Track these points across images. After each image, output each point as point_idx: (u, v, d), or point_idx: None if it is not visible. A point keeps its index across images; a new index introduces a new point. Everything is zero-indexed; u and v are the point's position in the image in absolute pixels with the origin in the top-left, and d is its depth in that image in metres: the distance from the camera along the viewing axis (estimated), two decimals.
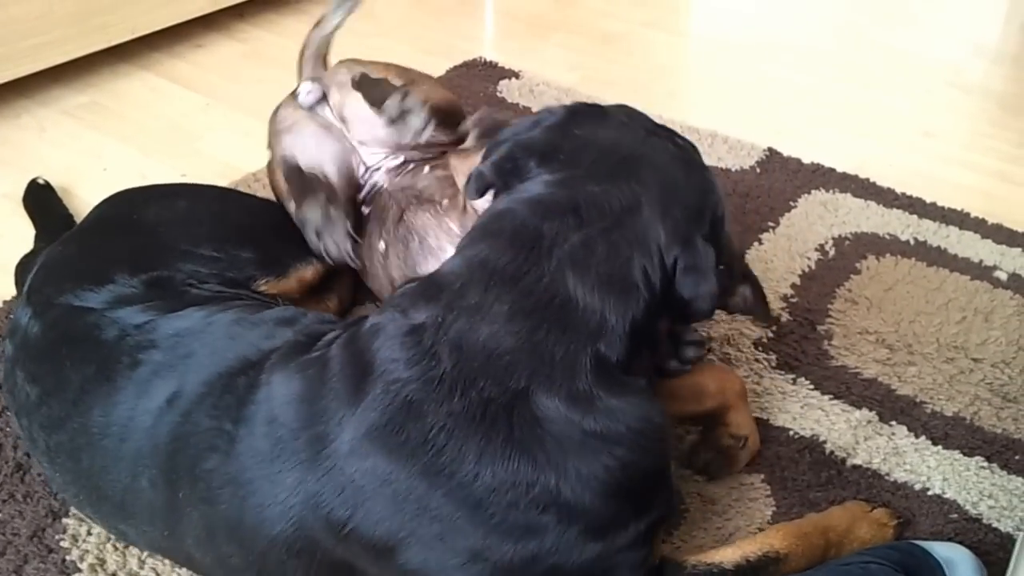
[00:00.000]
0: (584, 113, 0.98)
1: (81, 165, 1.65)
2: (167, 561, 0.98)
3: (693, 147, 1.00)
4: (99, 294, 0.98)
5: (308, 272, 1.18)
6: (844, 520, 1.00)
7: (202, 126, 1.81)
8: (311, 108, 1.32)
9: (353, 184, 1.29)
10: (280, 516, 0.81)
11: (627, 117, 0.99)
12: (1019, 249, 1.49)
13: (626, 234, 0.86)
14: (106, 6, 1.84)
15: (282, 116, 1.33)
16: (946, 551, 0.95)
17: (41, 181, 1.53)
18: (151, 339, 0.93)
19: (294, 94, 1.33)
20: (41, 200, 1.50)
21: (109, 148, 1.72)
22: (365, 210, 1.29)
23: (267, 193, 1.40)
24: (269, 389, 0.86)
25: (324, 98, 1.31)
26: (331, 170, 1.26)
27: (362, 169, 1.30)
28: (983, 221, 1.56)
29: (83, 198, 1.54)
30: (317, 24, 1.41)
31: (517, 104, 1.88)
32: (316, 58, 1.40)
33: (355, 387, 0.81)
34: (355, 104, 1.28)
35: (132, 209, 1.15)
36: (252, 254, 1.12)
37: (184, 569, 0.97)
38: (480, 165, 0.95)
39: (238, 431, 0.84)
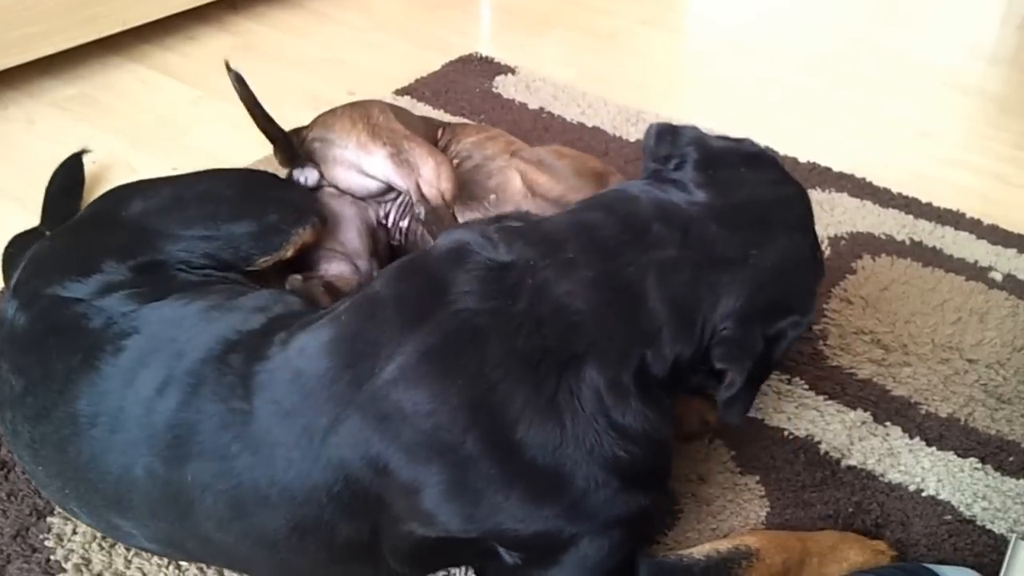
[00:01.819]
0: (758, 156, 1.01)
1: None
2: (153, 561, 0.97)
3: (822, 266, 1.00)
4: (86, 284, 0.97)
5: (307, 235, 1.17)
6: (831, 538, 0.99)
7: (193, 119, 1.80)
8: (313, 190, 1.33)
9: (374, 235, 1.33)
10: (316, 464, 0.81)
11: (788, 183, 1.00)
12: (1014, 250, 1.50)
13: (711, 280, 0.87)
14: None
15: None
16: (955, 575, 0.95)
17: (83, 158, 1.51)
18: (134, 326, 0.92)
19: (288, 178, 1.33)
20: (66, 187, 1.48)
21: (99, 141, 1.70)
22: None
23: None
24: (284, 351, 0.86)
25: (321, 176, 1.32)
26: (351, 235, 1.29)
27: (380, 215, 1.35)
28: (979, 222, 1.57)
29: None
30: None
31: (513, 100, 1.87)
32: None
33: (416, 312, 0.84)
34: (342, 173, 1.31)
35: (118, 204, 1.14)
36: (247, 227, 1.10)
37: (171, 568, 0.96)
38: (658, 126, 1.02)
39: (252, 404, 0.83)
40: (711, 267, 0.88)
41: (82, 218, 1.15)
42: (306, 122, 1.81)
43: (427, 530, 0.83)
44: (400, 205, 1.35)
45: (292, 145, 1.34)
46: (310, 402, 0.82)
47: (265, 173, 1.28)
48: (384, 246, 1.35)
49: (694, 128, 1.03)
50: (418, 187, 1.26)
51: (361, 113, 1.33)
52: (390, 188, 1.32)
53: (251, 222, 1.11)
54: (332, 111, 1.38)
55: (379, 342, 0.82)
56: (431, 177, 1.27)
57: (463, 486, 0.80)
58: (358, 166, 1.29)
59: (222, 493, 0.83)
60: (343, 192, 1.32)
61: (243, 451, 0.83)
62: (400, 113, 1.40)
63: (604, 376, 0.83)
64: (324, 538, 0.83)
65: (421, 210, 1.26)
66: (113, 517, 0.90)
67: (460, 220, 1.29)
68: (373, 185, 1.31)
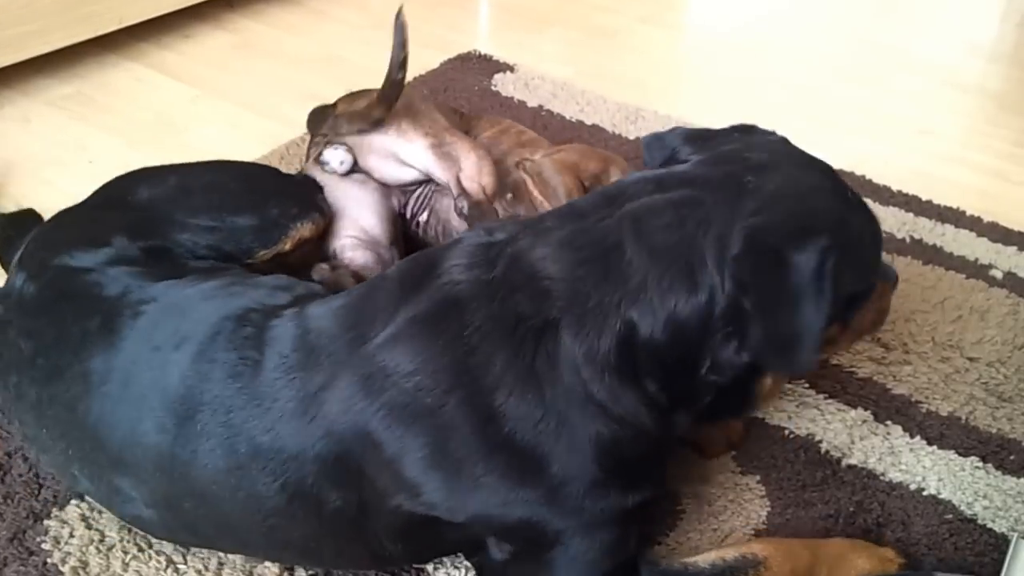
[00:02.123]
0: (752, 127, 0.98)
1: (66, 157, 1.63)
2: (152, 564, 0.96)
3: (864, 206, 0.90)
4: (96, 255, 0.97)
5: (305, 230, 1.17)
6: (840, 546, 0.97)
7: (190, 118, 1.79)
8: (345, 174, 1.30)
9: (395, 222, 1.31)
10: (305, 421, 0.82)
11: (790, 144, 0.95)
12: (1015, 248, 1.49)
13: (698, 213, 0.79)
14: None
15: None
16: None
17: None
18: (151, 295, 0.93)
19: (318, 160, 1.29)
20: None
21: (95, 140, 1.70)
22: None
23: None
24: (301, 314, 0.87)
25: (355, 161, 1.30)
26: (373, 221, 1.27)
27: (402, 203, 1.34)
28: (979, 219, 1.56)
29: (67, 191, 1.51)
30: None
31: (512, 98, 1.87)
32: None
33: (412, 285, 0.85)
34: (377, 161, 1.29)
35: (125, 190, 1.14)
36: (249, 220, 1.11)
37: (169, 571, 0.96)
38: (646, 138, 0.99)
39: (263, 354, 0.85)
40: (696, 203, 0.80)
41: (88, 201, 1.15)
42: (303, 120, 1.80)
43: (414, 504, 0.82)
44: (420, 197, 1.33)
45: (392, 104, 1.29)
46: (311, 360, 0.83)
47: (267, 167, 1.28)
48: (401, 235, 1.34)
49: (680, 128, 0.99)
50: (459, 181, 1.25)
51: (403, 101, 1.30)
52: (420, 180, 1.30)
53: (253, 215, 1.12)
54: (359, 93, 1.36)
55: (377, 310, 0.85)
56: (473, 172, 1.26)
57: (444, 453, 0.80)
58: (396, 154, 1.27)
59: (223, 442, 0.84)
60: (373, 179, 1.30)
61: (247, 402, 0.84)
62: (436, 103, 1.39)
63: (579, 344, 0.79)
64: (312, 505, 0.83)
65: (464, 204, 1.25)
66: (115, 478, 0.90)
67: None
68: (408, 175, 1.29)
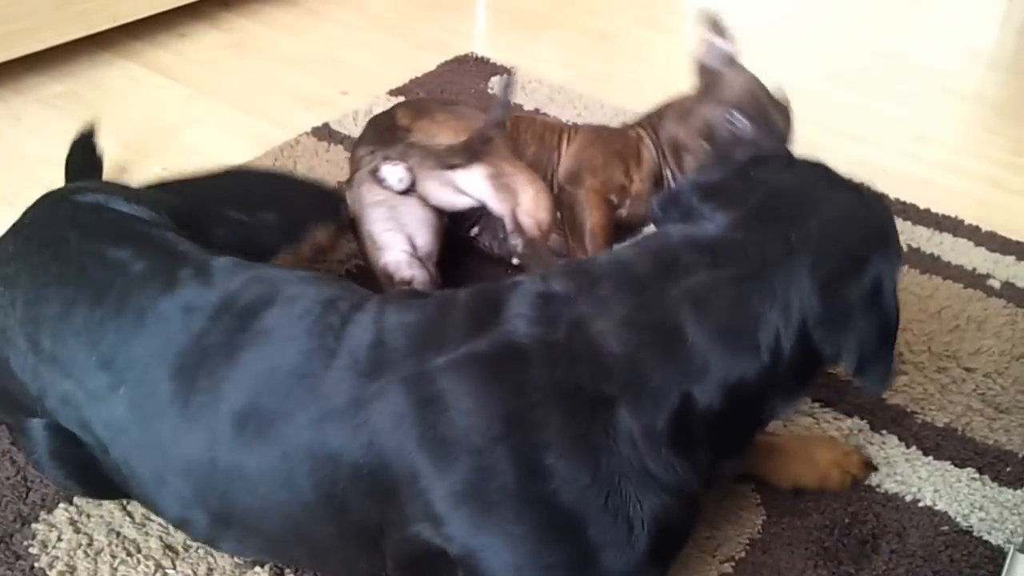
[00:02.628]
0: (769, 158, 0.97)
1: (57, 156, 1.62)
2: (140, 568, 0.96)
3: (882, 202, 0.95)
4: (137, 208, 1.01)
5: (323, 236, 1.18)
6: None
7: (184, 118, 1.79)
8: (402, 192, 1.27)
9: (443, 239, 1.30)
10: (352, 425, 0.81)
11: (800, 160, 0.97)
12: (1013, 257, 1.50)
13: (762, 286, 0.82)
14: None
15: (366, 192, 1.28)
16: None
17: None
18: (216, 266, 0.94)
19: (374, 173, 1.26)
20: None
21: None
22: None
23: None
24: (380, 317, 0.87)
25: (412, 183, 1.27)
26: (429, 239, 1.26)
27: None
28: (977, 228, 1.57)
29: None
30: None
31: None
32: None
33: (477, 324, 0.85)
34: (435, 186, 1.26)
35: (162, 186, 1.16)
36: (275, 217, 1.12)
37: (158, 575, 0.96)
38: (654, 200, 0.98)
39: (340, 345, 0.85)
40: (753, 276, 0.83)
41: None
42: (298, 122, 1.80)
43: (433, 535, 0.81)
44: (472, 212, 1.33)
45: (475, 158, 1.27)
46: (377, 368, 0.83)
47: (294, 176, 1.28)
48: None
49: (689, 180, 0.98)
50: (514, 215, 1.23)
51: (465, 125, 1.29)
52: (475, 207, 1.29)
53: (279, 213, 1.13)
54: (430, 114, 1.34)
55: (446, 335, 0.85)
56: (530, 207, 1.23)
57: (480, 493, 0.79)
58: (454, 182, 1.25)
59: (273, 420, 0.84)
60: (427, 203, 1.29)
61: (308, 391, 0.84)
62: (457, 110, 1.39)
63: (637, 421, 0.80)
64: (336, 509, 0.83)
65: (519, 243, 1.24)
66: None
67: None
68: (462, 202, 1.27)
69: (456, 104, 1.51)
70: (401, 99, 1.85)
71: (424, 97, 1.45)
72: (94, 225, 1.00)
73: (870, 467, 1.11)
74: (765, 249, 0.84)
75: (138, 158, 1.66)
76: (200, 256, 0.96)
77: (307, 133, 1.72)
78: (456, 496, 0.79)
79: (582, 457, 0.79)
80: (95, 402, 0.89)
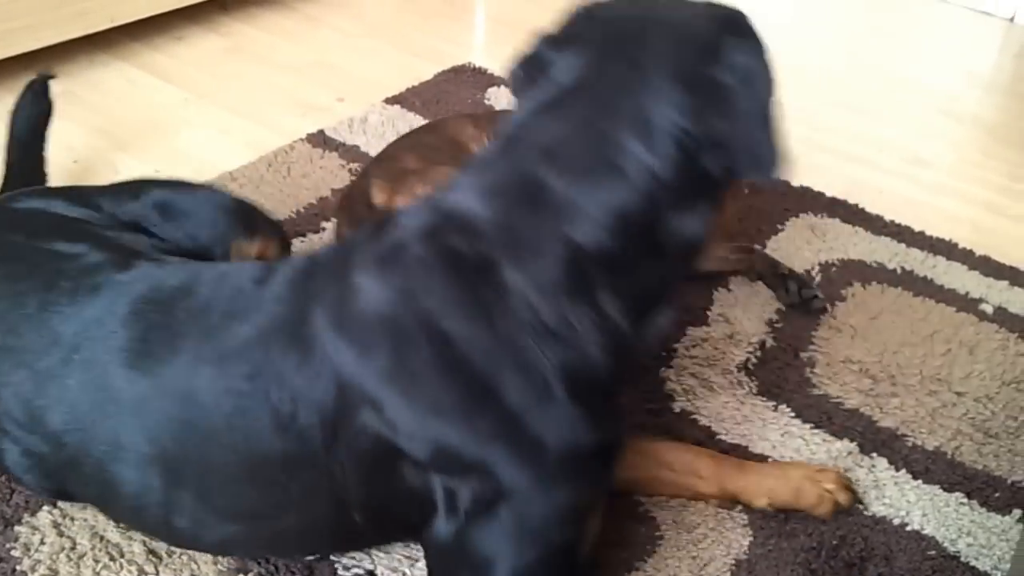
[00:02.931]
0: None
1: (51, 156, 1.63)
2: (123, 573, 0.96)
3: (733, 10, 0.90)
4: (83, 210, 1.05)
5: (252, 247, 1.19)
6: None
7: (179, 121, 1.80)
8: None
9: None
10: (298, 328, 0.86)
11: None
12: (1006, 282, 1.51)
13: (613, 113, 0.81)
14: None
15: None
16: None
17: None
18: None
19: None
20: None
21: (81, 140, 1.70)
22: None
23: (243, 194, 1.39)
24: (303, 260, 0.94)
25: None
26: None
27: None
28: (971, 252, 1.58)
29: None
30: None
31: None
32: None
33: (376, 238, 0.89)
34: None
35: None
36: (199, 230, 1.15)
37: None
38: (513, 65, 0.96)
39: (272, 278, 0.91)
40: (596, 102, 0.82)
41: None
42: (293, 128, 1.81)
43: (378, 423, 0.82)
44: None
45: None
46: (301, 291, 0.89)
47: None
48: None
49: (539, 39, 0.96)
50: None
51: (444, 171, 1.29)
52: None
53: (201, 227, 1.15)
54: (404, 179, 1.33)
55: (353, 257, 0.89)
56: None
57: (403, 367, 0.82)
58: None
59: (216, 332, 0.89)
60: None
61: (242, 307, 0.90)
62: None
63: (525, 277, 0.81)
64: (288, 430, 0.84)
65: None
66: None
67: None
68: None
69: (435, 126, 1.52)
70: (397, 108, 1.87)
71: (395, 144, 1.44)
72: (42, 227, 1.01)
73: (848, 486, 1.11)
74: (614, 77, 0.83)
75: (131, 160, 1.66)
76: (152, 252, 1.00)
77: (302, 139, 1.73)
78: (383, 374, 0.83)
79: (477, 319, 0.81)
80: (48, 382, 0.90)
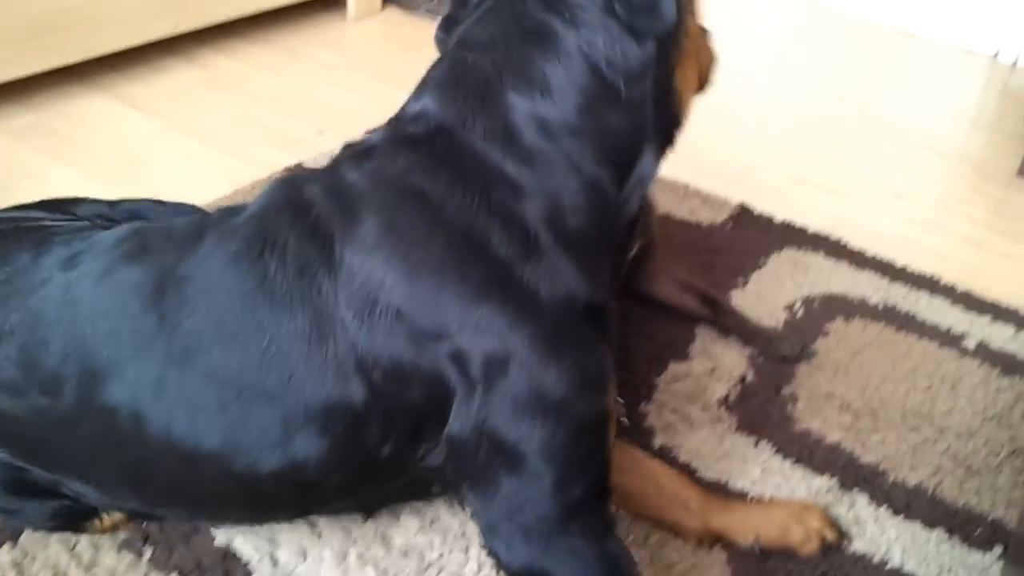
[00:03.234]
0: None
1: (22, 189, 1.65)
2: None
3: None
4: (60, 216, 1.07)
5: None
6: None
7: (155, 153, 1.82)
8: None
9: None
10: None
11: None
12: (988, 318, 1.54)
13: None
14: (61, 23, 1.85)
15: None
16: None
17: None
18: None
19: None
20: None
21: (54, 172, 1.72)
22: None
23: None
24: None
25: None
26: None
27: None
28: (953, 288, 1.61)
29: None
30: None
31: None
32: None
33: (350, 146, 0.99)
34: None
35: None
36: None
37: None
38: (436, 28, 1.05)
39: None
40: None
41: None
42: (271, 161, 1.84)
43: (377, 288, 0.85)
44: None
45: None
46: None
47: None
48: None
49: None
50: None
51: None
52: None
53: None
54: None
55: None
56: None
57: (389, 229, 0.86)
58: None
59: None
60: None
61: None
62: None
63: (485, 136, 0.88)
64: (308, 312, 0.86)
65: None
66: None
67: None
68: None
69: None
70: None
71: None
72: (24, 221, 1.03)
73: (835, 526, 1.12)
74: None
75: (106, 191, 1.67)
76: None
77: (281, 172, 1.75)
78: (374, 239, 0.86)
79: (448, 179, 0.87)
80: (48, 305, 0.89)
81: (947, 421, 1.32)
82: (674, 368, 1.37)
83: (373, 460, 0.90)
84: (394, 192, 0.88)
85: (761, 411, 1.31)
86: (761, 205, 1.78)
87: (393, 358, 0.85)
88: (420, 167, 0.88)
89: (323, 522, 1.07)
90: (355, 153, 0.94)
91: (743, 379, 1.36)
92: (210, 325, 0.86)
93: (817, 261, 1.65)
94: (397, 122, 0.96)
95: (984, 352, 1.47)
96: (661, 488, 1.11)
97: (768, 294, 1.55)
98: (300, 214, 0.89)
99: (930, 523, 1.16)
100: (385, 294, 0.85)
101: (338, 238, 0.87)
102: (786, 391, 1.35)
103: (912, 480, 1.22)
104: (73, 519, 1.01)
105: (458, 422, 0.87)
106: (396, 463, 0.91)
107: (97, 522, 1.02)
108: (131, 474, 0.92)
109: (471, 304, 0.85)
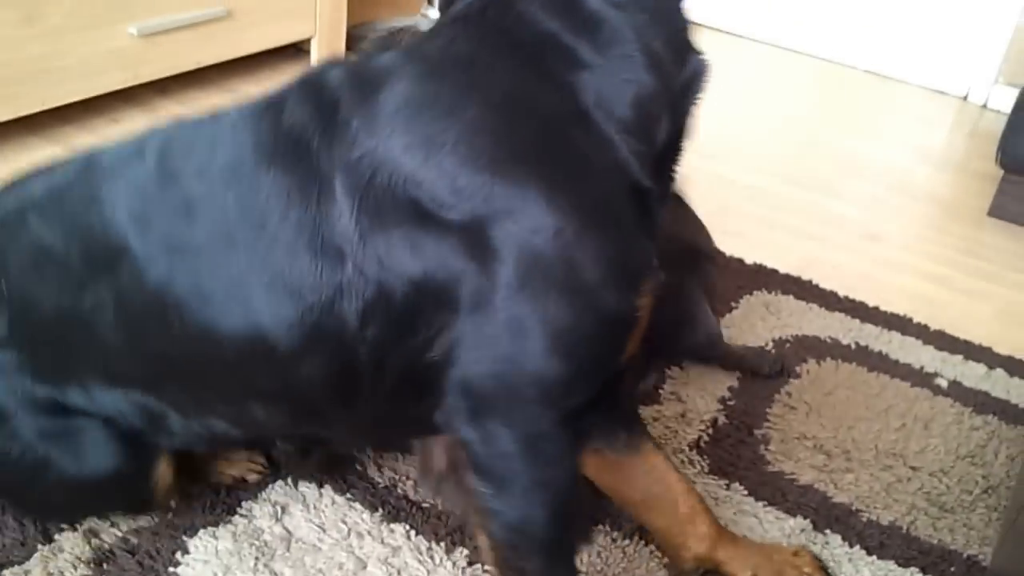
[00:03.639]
0: None
1: None
2: None
3: None
4: None
5: None
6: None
7: None
8: None
9: None
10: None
11: None
12: (960, 356, 1.60)
13: None
14: (15, 76, 1.89)
15: None
16: None
17: None
18: None
19: None
20: None
21: None
22: None
23: None
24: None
25: None
26: None
27: None
28: (925, 327, 1.67)
29: None
30: None
31: None
32: None
33: None
34: None
35: None
36: None
37: None
38: None
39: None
40: None
41: None
42: None
43: (393, 162, 0.80)
44: None
45: None
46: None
47: None
48: None
49: None
50: None
51: None
52: None
53: None
54: None
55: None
56: None
57: (420, 93, 0.83)
58: None
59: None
60: None
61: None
62: None
63: (545, 10, 0.83)
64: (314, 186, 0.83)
65: None
66: None
67: None
68: None
69: None
70: None
71: None
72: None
73: (825, 571, 1.16)
74: None
75: None
76: None
77: None
78: (394, 106, 0.82)
79: (490, 40, 0.84)
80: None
81: (920, 460, 1.36)
82: (644, 412, 1.40)
83: (350, 346, 0.84)
84: (430, 63, 0.84)
85: (733, 453, 1.34)
86: (731, 248, 1.84)
87: (387, 231, 0.80)
88: (466, 35, 0.85)
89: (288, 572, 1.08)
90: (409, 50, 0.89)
91: (714, 422, 1.40)
92: (202, 178, 0.91)
93: (789, 303, 1.71)
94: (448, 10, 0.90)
95: (957, 391, 1.52)
96: (675, 505, 1.10)
97: (740, 337, 1.60)
98: (311, 87, 0.89)
99: (904, 562, 1.19)
100: (391, 162, 0.80)
101: (345, 105, 0.84)
102: (759, 433, 1.38)
103: (886, 519, 1.25)
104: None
105: (466, 307, 0.79)
106: (378, 354, 0.84)
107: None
108: (128, 324, 0.94)
109: (506, 168, 0.79)
